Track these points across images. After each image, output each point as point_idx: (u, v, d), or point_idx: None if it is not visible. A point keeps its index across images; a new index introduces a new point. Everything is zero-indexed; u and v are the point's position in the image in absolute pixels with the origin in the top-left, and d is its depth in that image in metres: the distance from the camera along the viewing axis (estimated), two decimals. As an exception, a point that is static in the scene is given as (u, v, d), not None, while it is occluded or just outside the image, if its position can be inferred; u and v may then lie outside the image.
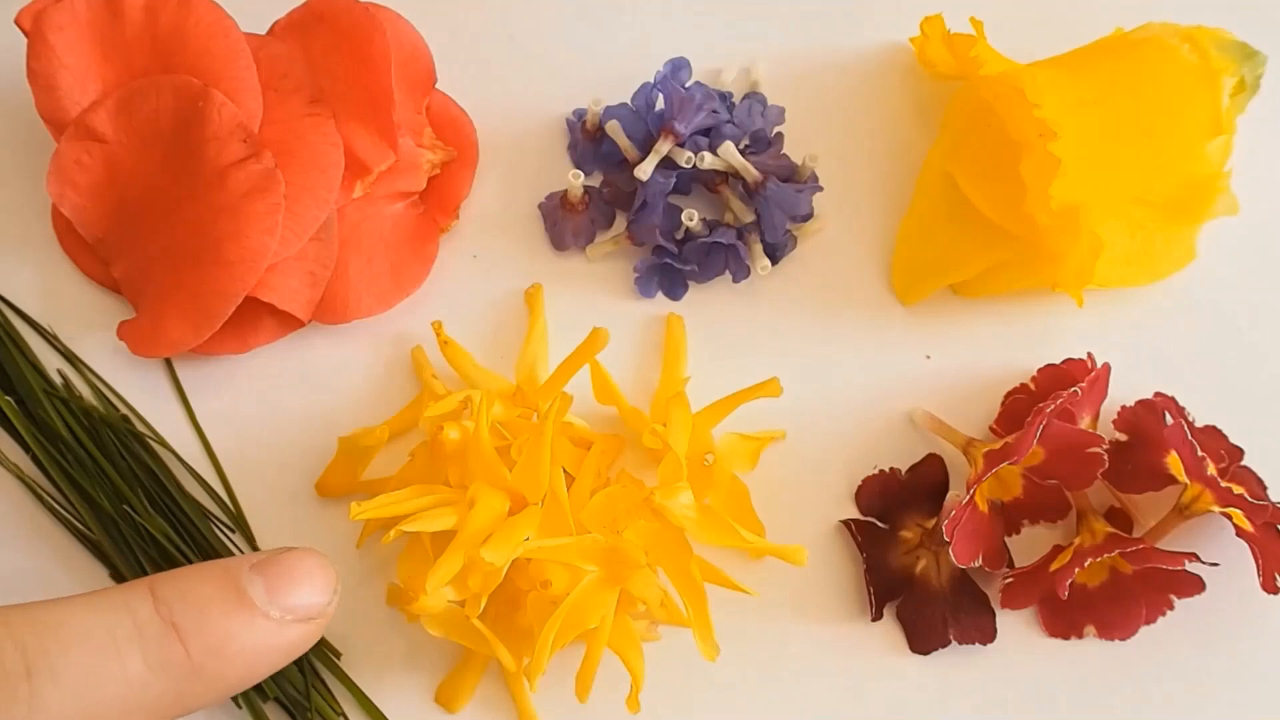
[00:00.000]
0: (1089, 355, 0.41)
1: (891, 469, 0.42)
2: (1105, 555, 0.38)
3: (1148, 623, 0.40)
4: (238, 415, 0.42)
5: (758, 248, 0.43)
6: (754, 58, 0.46)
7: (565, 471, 0.38)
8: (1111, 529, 0.39)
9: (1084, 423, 0.40)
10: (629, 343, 0.43)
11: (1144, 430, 0.40)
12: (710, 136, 0.43)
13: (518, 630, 0.37)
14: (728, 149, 0.42)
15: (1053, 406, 0.38)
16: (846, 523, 0.41)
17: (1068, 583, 0.38)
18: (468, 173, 0.44)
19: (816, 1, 0.47)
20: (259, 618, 0.32)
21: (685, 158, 0.42)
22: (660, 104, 0.43)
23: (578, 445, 0.40)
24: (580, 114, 0.45)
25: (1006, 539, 0.40)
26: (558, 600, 0.35)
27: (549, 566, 0.35)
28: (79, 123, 0.41)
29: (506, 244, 0.44)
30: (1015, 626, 0.40)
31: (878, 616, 0.40)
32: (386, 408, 0.42)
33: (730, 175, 0.43)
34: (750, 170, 0.42)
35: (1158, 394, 0.41)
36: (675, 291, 0.43)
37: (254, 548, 0.41)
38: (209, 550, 0.40)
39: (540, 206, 0.44)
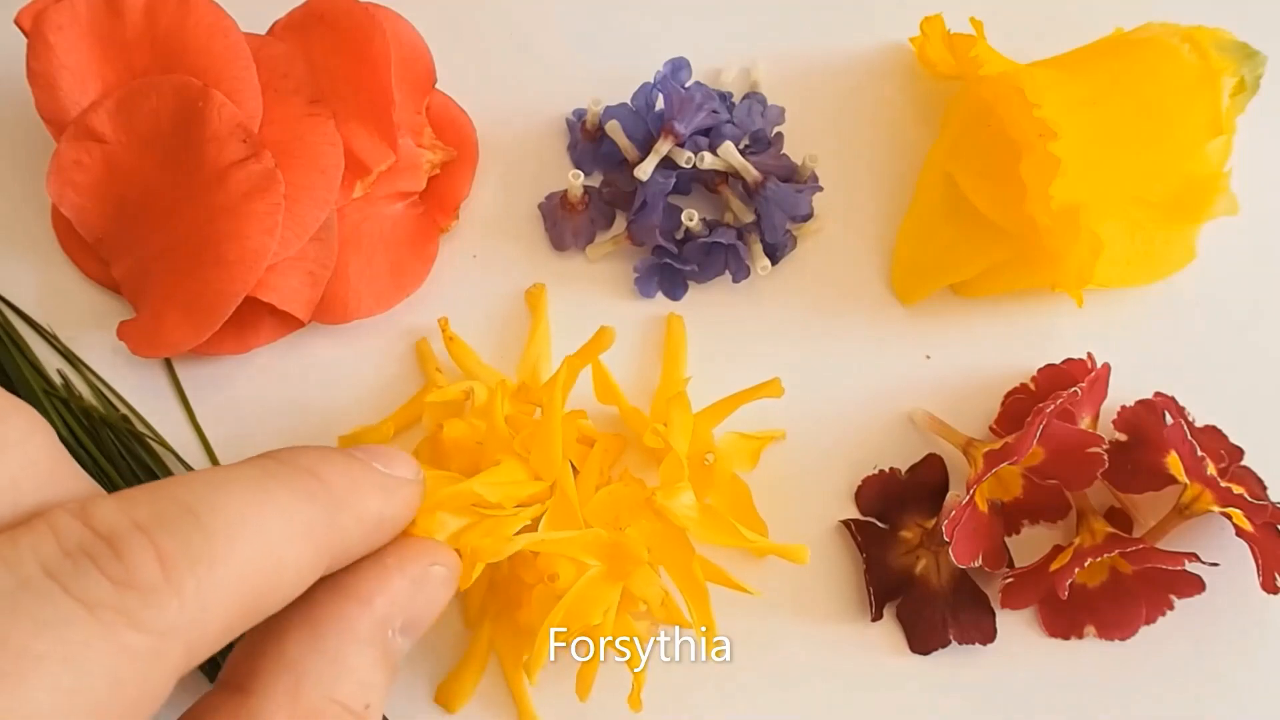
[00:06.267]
0: (1089, 355, 0.41)
1: (891, 469, 0.42)
2: (1105, 555, 0.38)
3: (1148, 623, 0.40)
4: (238, 415, 0.42)
5: (758, 248, 0.43)
6: (754, 58, 0.46)
7: (571, 466, 0.38)
8: (1111, 529, 0.39)
9: (1084, 423, 0.40)
10: (629, 343, 0.43)
11: (1144, 430, 0.40)
12: (710, 136, 0.43)
13: (518, 629, 0.37)
14: (728, 149, 0.42)
15: (1053, 406, 0.38)
16: (846, 523, 0.41)
17: (1068, 583, 0.38)
18: (468, 173, 0.44)
19: (816, 1, 0.47)
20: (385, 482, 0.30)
21: (685, 158, 0.42)
22: (660, 104, 0.43)
23: (581, 443, 0.40)
24: (580, 114, 0.45)
25: (1006, 539, 0.40)
26: (563, 595, 0.35)
27: (556, 560, 0.35)
28: (79, 123, 0.41)
29: (506, 244, 0.44)
30: (1015, 626, 0.40)
31: (878, 616, 0.40)
32: (387, 408, 0.42)
33: (730, 175, 0.43)
34: (750, 170, 0.42)
35: (1158, 394, 0.41)
36: (675, 291, 0.43)
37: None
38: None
39: (540, 206, 0.44)
